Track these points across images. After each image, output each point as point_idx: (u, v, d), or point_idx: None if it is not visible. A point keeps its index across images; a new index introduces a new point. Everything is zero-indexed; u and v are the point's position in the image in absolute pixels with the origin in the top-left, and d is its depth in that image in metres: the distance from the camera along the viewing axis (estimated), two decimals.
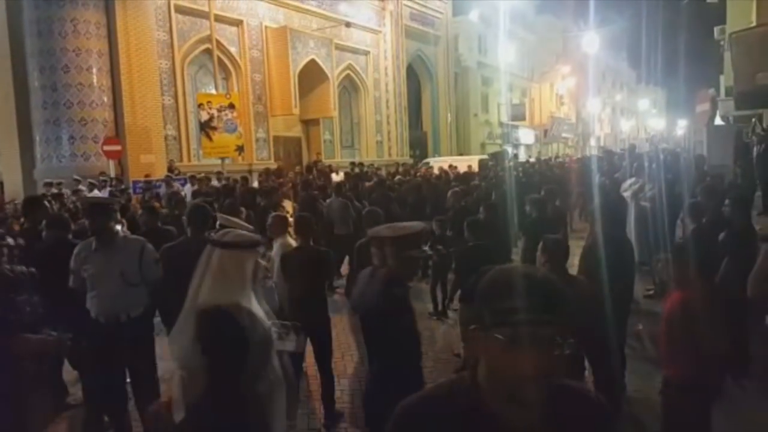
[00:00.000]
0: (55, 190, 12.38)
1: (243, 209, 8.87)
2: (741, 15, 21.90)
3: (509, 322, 1.23)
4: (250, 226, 4.64)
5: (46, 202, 7.07)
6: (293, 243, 5.59)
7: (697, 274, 3.81)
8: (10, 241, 3.71)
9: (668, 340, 3.75)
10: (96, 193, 12.65)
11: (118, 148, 15.61)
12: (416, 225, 3.54)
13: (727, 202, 5.88)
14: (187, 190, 13.30)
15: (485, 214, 7.11)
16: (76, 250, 4.51)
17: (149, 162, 16.59)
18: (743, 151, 13.12)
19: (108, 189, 13.16)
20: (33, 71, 15.77)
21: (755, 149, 12.90)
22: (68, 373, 5.44)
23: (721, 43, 25.66)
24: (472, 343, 1.33)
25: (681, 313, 3.64)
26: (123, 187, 13.83)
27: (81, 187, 13.37)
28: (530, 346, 1.22)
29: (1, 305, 3.40)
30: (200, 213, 5.01)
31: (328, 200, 10.31)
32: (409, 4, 29.51)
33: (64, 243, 5.04)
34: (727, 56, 19.56)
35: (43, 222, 5.49)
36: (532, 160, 28.53)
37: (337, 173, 17.88)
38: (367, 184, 13.89)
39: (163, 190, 13.26)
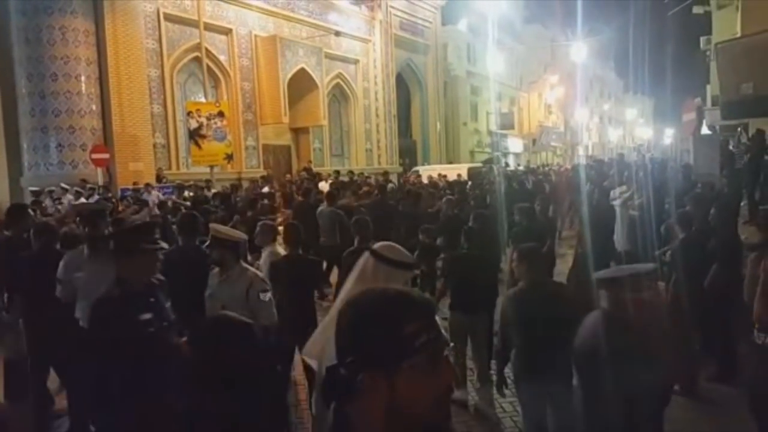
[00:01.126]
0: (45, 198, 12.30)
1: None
2: (726, 26, 22.21)
3: (421, 345, 1.15)
4: (245, 236, 4.62)
5: (30, 210, 7.01)
6: (282, 251, 5.58)
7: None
8: (164, 244, 3.67)
9: None
10: (82, 200, 12.56)
11: (106, 156, 15.52)
12: (644, 266, 3.47)
13: (711, 211, 5.94)
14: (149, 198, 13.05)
15: (475, 223, 7.11)
16: (65, 259, 4.46)
17: (138, 170, 16.50)
18: (729, 161, 13.26)
19: (96, 197, 13.07)
20: (21, 79, 15.67)
21: (742, 159, 13.04)
22: (52, 381, 5.38)
23: (707, 53, 26.01)
24: (368, 394, 1.16)
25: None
26: (110, 195, 13.75)
27: (69, 195, 13.28)
28: (444, 358, 1.20)
29: (162, 311, 3.43)
30: (191, 222, 5.00)
31: (319, 208, 10.21)
32: (399, 13, 29.64)
33: (53, 251, 5.01)
34: (713, 66, 19.80)
35: (30, 230, 5.44)
36: (521, 168, 28.70)
37: (326, 181, 17.87)
38: (360, 192, 13.87)
39: (145, 196, 13.19)
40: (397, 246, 2.93)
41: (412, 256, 2.95)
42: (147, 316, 3.22)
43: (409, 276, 2.77)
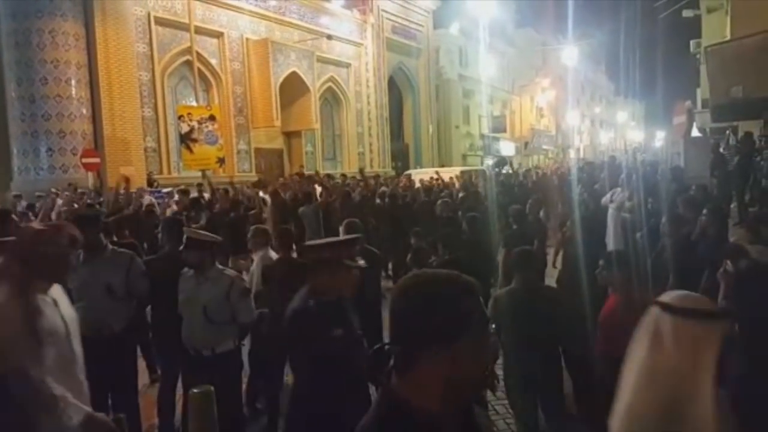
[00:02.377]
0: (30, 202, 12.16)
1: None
2: (716, 29, 22.40)
3: (475, 321, 1.30)
4: (219, 238, 4.61)
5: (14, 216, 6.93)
6: (274, 256, 5.56)
7: (634, 280, 3.87)
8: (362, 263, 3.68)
9: (604, 341, 3.77)
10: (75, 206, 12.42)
11: (96, 160, 15.43)
12: None
13: (704, 212, 5.94)
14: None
15: (468, 227, 7.08)
16: None
17: (128, 174, 16.40)
18: (719, 163, 13.33)
19: (88, 201, 12.94)
20: (10, 82, 15.58)
21: (732, 161, 13.11)
22: None
23: (697, 56, 26.20)
24: (430, 368, 1.27)
25: (617, 316, 3.69)
26: (101, 199, 13.63)
27: (59, 200, 13.13)
28: (489, 333, 1.37)
29: (351, 327, 3.51)
30: (177, 226, 4.98)
31: (300, 209, 10.31)
32: (391, 17, 29.69)
33: None
34: (703, 69, 19.94)
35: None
36: (513, 171, 28.70)
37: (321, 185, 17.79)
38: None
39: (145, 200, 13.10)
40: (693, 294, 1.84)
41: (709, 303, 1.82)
42: (339, 332, 3.28)
43: (718, 332, 1.61)
